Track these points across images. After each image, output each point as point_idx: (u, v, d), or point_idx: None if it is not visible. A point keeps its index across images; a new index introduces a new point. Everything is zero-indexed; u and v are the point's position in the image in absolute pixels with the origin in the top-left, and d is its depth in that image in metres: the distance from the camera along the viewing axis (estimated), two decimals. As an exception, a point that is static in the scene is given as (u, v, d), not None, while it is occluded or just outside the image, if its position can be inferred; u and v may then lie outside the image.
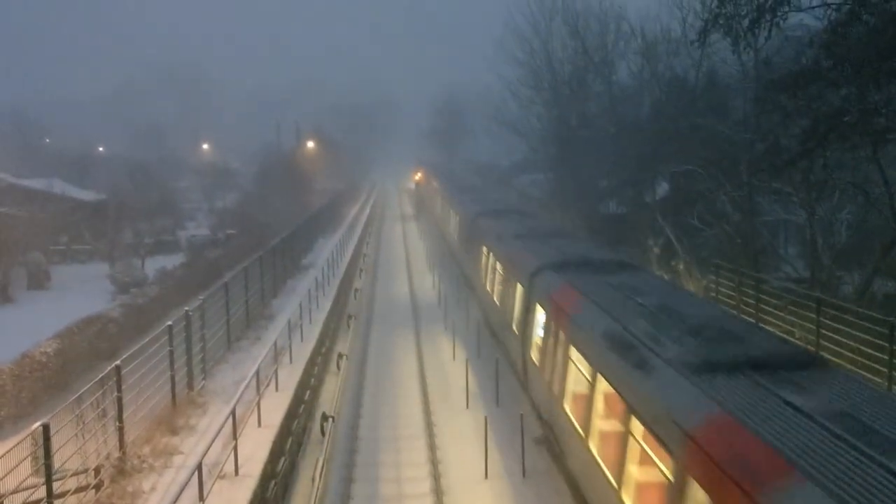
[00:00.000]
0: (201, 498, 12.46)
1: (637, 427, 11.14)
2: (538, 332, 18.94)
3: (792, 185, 25.44)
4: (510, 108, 66.97)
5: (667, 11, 38.43)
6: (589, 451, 13.58)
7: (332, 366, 27.37)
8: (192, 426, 16.78)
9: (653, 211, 34.31)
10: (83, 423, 13.52)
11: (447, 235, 46.36)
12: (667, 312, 13.96)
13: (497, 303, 25.40)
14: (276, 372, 20.11)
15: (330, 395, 24.19)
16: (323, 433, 20.73)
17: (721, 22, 20.52)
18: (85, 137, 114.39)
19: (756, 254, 27.54)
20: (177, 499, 12.10)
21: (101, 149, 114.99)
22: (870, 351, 16.99)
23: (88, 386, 13.95)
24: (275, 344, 21.59)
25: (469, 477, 17.84)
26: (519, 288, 21.15)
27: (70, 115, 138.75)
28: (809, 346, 19.33)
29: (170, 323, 17.59)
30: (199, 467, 12.43)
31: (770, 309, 21.76)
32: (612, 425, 12.84)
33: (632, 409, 11.33)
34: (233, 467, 14.43)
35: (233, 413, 14.94)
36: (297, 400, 20.39)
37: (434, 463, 18.78)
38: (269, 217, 55.19)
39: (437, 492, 17.13)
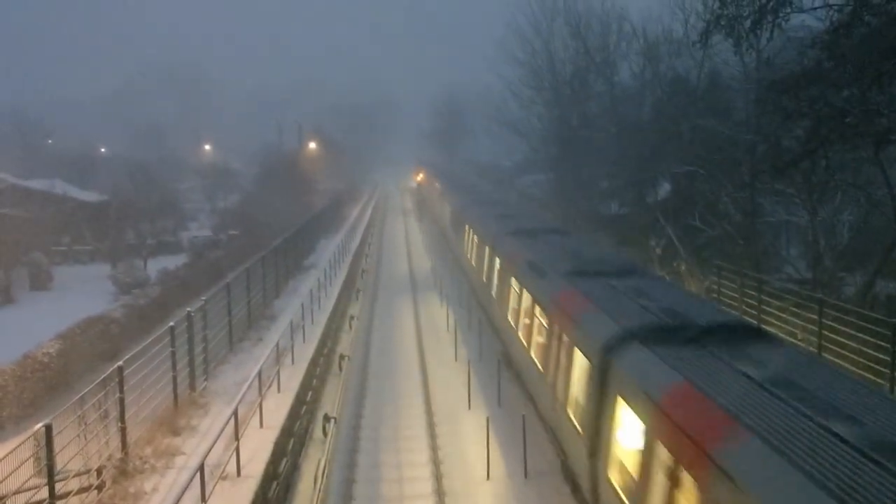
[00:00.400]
0: (203, 499, 12.46)
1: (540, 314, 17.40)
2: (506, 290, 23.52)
3: (794, 186, 25.44)
4: (511, 108, 67.07)
5: (669, 12, 38.48)
6: (521, 343, 20.63)
7: (334, 367, 27.39)
8: (193, 427, 16.79)
9: (654, 211, 34.29)
10: (85, 423, 13.52)
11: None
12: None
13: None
14: (278, 373, 20.11)
15: (332, 397, 24.21)
16: (325, 434, 20.74)
17: (723, 23, 20.53)
18: (86, 138, 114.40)
19: (758, 255, 27.53)
20: (179, 499, 12.10)
21: (102, 149, 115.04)
22: (871, 352, 16.99)
23: (91, 387, 13.96)
24: (277, 345, 21.60)
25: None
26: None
27: (71, 116, 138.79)
28: (811, 347, 19.36)
29: (172, 324, 17.61)
30: (200, 468, 12.44)
31: (772, 310, 21.76)
32: (530, 317, 19.59)
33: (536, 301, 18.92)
34: (235, 468, 14.44)
35: (235, 414, 14.95)
36: (298, 401, 20.40)
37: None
38: (270, 218, 55.20)
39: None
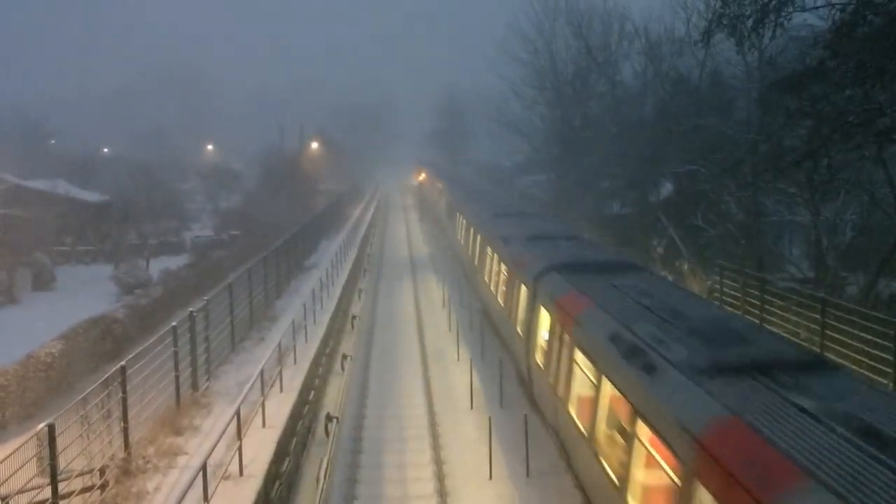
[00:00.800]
0: (206, 498, 12.47)
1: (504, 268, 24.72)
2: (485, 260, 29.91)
3: (796, 186, 25.41)
4: (512, 108, 67.01)
5: (670, 12, 38.44)
6: (490, 290, 28.13)
7: (337, 366, 27.39)
8: (196, 427, 16.80)
9: (656, 211, 34.26)
10: (88, 423, 13.54)
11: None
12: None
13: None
14: (280, 373, 20.12)
15: (334, 397, 24.21)
16: (327, 434, 20.74)
17: (725, 22, 20.51)
18: (88, 138, 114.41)
19: (760, 254, 27.51)
20: (181, 499, 12.10)
21: (105, 150, 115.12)
22: (874, 352, 16.98)
23: (93, 387, 13.97)
24: (279, 345, 21.60)
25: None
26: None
27: (73, 116, 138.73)
28: (814, 347, 19.34)
29: (174, 324, 17.62)
30: (203, 468, 12.45)
31: (774, 310, 21.74)
32: (497, 272, 26.48)
33: (501, 259, 25.83)
34: (237, 468, 14.44)
35: (237, 414, 14.95)
36: (301, 401, 20.41)
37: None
38: (272, 218, 55.22)
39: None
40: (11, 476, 10.73)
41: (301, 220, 49.07)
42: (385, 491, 17.43)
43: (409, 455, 19.36)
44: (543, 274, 19.58)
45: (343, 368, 27.17)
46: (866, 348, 17.23)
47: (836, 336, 18.45)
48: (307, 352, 23.82)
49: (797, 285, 23.82)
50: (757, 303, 22.73)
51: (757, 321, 22.37)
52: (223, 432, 14.66)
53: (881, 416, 8.49)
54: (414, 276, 45.43)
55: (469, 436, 20.06)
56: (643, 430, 10.64)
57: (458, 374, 25.12)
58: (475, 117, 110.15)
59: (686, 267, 29.94)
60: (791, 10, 19.46)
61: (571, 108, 53.88)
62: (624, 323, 13.20)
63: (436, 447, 19.50)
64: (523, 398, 21.36)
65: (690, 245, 31.09)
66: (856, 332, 17.78)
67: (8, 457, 10.80)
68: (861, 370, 17.19)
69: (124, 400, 14.33)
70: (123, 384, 14.35)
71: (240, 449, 14.58)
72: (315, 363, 23.86)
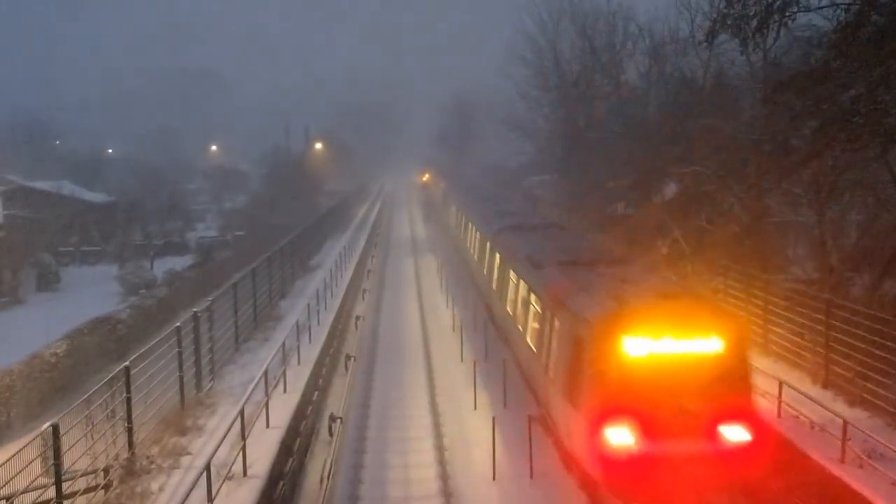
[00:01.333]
0: (209, 498, 12.49)
1: (484, 243, 33.39)
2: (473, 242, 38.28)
3: (801, 186, 25.35)
4: (518, 109, 66.90)
5: (675, 12, 38.31)
6: (473, 257, 36.98)
7: (341, 367, 27.43)
8: (200, 427, 16.83)
9: (660, 212, 34.21)
10: (92, 423, 13.57)
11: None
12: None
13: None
14: (284, 373, 20.15)
15: (338, 397, 24.25)
16: (331, 434, 20.77)
17: (729, 22, 20.44)
18: (94, 139, 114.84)
19: (765, 255, 27.43)
20: (185, 499, 12.15)
21: (109, 151, 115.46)
22: (880, 353, 16.93)
23: (97, 387, 14.01)
24: (283, 345, 21.63)
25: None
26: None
27: (79, 118, 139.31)
28: (818, 349, 19.30)
29: (178, 324, 17.65)
30: (207, 468, 12.47)
31: (779, 310, 21.69)
32: (479, 246, 34.90)
33: (481, 236, 34.73)
34: (241, 468, 14.47)
35: (241, 414, 14.98)
36: (305, 401, 20.44)
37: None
38: (277, 219, 55.35)
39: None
40: (16, 476, 10.76)
41: (306, 220, 49.17)
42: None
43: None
44: (499, 232, 30.12)
45: (347, 369, 27.21)
46: (871, 349, 17.18)
47: (841, 337, 18.41)
48: (311, 352, 23.85)
49: (802, 286, 23.76)
50: (761, 303, 22.69)
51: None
52: (227, 432, 14.69)
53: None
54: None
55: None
56: (533, 297, 20.33)
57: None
58: (483, 118, 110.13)
59: (690, 267, 29.89)
60: (795, 10, 19.38)
61: (576, 109, 53.82)
62: (531, 250, 23.35)
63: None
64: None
65: (695, 245, 31.03)
66: (861, 332, 17.73)
67: (12, 456, 10.84)
68: (867, 371, 17.17)
69: (128, 400, 14.36)
70: (128, 384, 14.37)
71: (244, 449, 14.61)
72: (319, 364, 23.89)
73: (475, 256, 35.73)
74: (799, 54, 24.49)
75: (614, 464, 13.85)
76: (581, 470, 15.47)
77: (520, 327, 22.07)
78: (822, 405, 16.48)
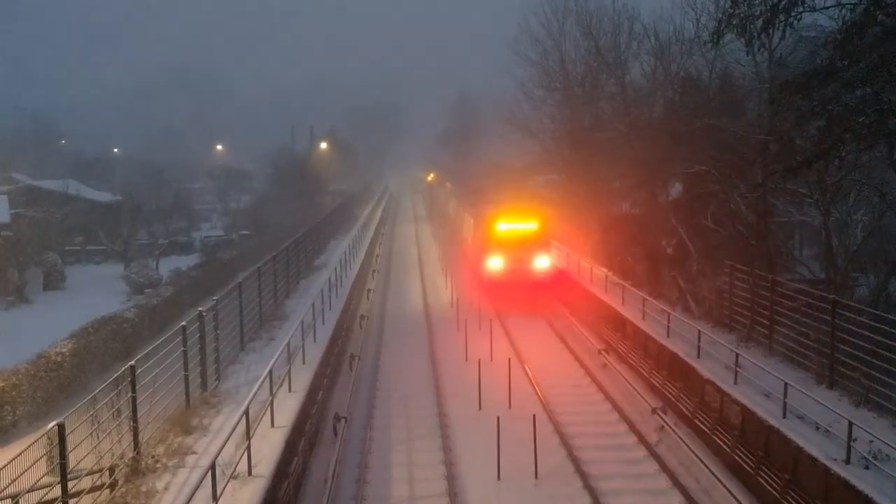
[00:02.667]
0: (214, 497, 12.51)
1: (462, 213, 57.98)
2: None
3: (807, 186, 25.29)
4: (523, 109, 66.77)
5: (680, 12, 38.09)
6: (455, 221, 65.07)
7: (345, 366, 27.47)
8: (205, 426, 16.86)
9: (666, 212, 34.16)
10: (98, 422, 13.60)
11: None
12: None
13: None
14: (289, 372, 20.17)
15: (342, 397, 24.30)
16: (335, 434, 20.81)
17: (735, 22, 20.38)
18: (100, 139, 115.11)
19: (770, 255, 27.36)
20: (190, 498, 12.17)
21: (115, 150, 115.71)
22: (886, 353, 16.89)
23: (103, 386, 14.04)
24: (288, 344, 21.65)
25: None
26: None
27: (85, 117, 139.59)
28: (824, 349, 19.27)
29: (183, 323, 17.67)
30: (212, 467, 12.49)
31: (784, 311, 21.66)
32: (456, 212, 64.39)
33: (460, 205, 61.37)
34: (246, 467, 14.49)
35: (246, 413, 15.00)
36: (310, 400, 20.46)
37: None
38: (282, 218, 55.43)
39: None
40: (22, 474, 10.80)
41: (311, 220, 49.23)
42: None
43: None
44: (466, 207, 50.24)
45: (352, 368, 27.25)
46: (877, 349, 17.14)
47: (847, 337, 18.37)
48: (316, 351, 23.87)
49: (807, 286, 23.70)
50: (767, 304, 22.65)
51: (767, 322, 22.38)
52: (232, 432, 14.71)
53: None
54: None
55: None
56: (472, 221, 46.23)
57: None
58: (486, 117, 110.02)
59: (695, 267, 29.84)
60: (801, 10, 19.29)
61: (581, 109, 53.66)
62: (474, 211, 46.55)
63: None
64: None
65: (700, 245, 30.97)
66: (866, 333, 17.69)
67: (18, 455, 10.87)
68: (872, 371, 17.13)
69: (134, 399, 14.38)
70: (133, 383, 14.40)
71: (248, 448, 14.64)
72: (324, 363, 23.92)
73: (459, 222, 58.87)
74: (805, 54, 24.44)
75: (491, 272, 38.57)
76: (478, 276, 40.51)
77: (466, 235, 50.07)
78: (827, 406, 16.45)
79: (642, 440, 20.89)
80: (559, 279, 39.14)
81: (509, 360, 24.93)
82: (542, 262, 38.57)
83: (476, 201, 50.29)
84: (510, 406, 23.02)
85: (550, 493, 17.76)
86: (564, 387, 25.82)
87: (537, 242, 38.82)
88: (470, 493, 17.86)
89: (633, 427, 21.84)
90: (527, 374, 26.59)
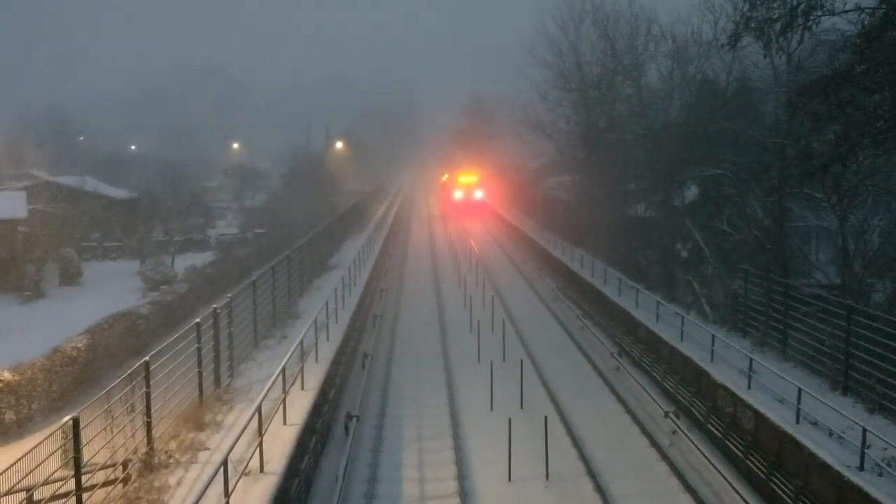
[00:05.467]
0: (226, 493, 12.57)
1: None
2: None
3: (823, 191, 25.13)
4: (538, 110, 66.70)
5: (698, 14, 37.93)
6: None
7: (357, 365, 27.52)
8: (218, 422, 16.94)
9: (681, 215, 34.05)
10: (112, 417, 13.71)
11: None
12: None
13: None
14: (302, 370, 20.24)
15: (354, 395, 24.34)
16: (347, 432, 20.85)
17: (752, 25, 20.30)
18: (117, 136, 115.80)
19: (786, 260, 27.23)
20: (202, 494, 12.23)
21: (132, 147, 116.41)
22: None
23: (117, 381, 14.14)
24: (301, 342, 21.72)
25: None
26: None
27: (102, 114, 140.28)
28: (838, 355, 19.15)
29: (198, 320, 17.76)
30: (224, 463, 12.56)
31: (799, 316, 21.55)
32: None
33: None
34: (258, 464, 14.56)
35: (258, 410, 15.07)
36: (322, 398, 20.52)
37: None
38: (297, 217, 55.55)
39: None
40: (36, 468, 10.89)
41: (325, 219, 49.34)
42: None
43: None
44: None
45: (364, 367, 27.30)
46: (892, 356, 17.02)
47: (862, 343, 18.25)
48: (329, 350, 23.94)
49: (823, 292, 23.56)
50: (781, 308, 22.54)
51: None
52: (245, 428, 14.77)
53: None
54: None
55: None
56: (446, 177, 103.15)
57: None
58: (501, 118, 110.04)
59: (710, 271, 29.73)
60: (819, 13, 19.20)
61: (597, 111, 53.59)
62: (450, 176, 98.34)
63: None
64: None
65: (715, 249, 30.86)
66: (882, 339, 17.57)
67: (33, 449, 10.97)
68: (887, 378, 17.01)
69: (148, 395, 14.48)
70: (147, 379, 14.49)
71: (260, 445, 14.71)
72: (336, 361, 23.98)
73: (442, 180, 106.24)
74: (823, 58, 24.27)
75: (455, 199, 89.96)
76: (448, 200, 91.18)
77: (446, 183, 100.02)
78: (841, 412, 16.35)
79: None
80: (486, 206, 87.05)
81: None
82: (478, 195, 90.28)
83: (452, 170, 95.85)
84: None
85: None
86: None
87: (475, 186, 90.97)
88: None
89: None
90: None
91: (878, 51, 17.85)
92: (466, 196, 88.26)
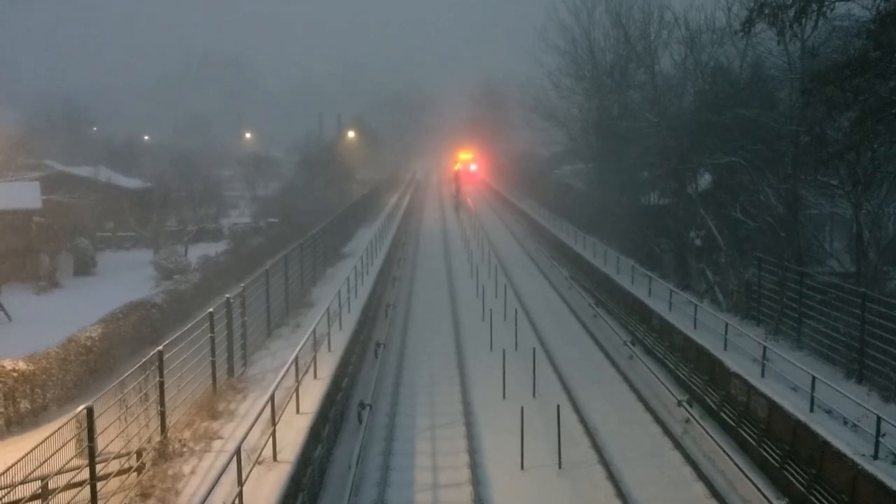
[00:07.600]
0: (240, 482, 12.65)
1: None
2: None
3: (838, 178, 24.94)
4: (551, 98, 66.49)
5: (711, 0, 37.74)
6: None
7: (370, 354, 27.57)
8: (231, 411, 17.05)
9: (695, 203, 33.89)
10: (126, 406, 13.79)
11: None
12: None
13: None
14: (314, 359, 20.31)
15: (367, 384, 24.40)
16: (360, 421, 20.93)
17: (766, 11, 20.11)
18: (130, 126, 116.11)
19: (800, 247, 27.07)
20: (216, 482, 12.31)
21: (146, 137, 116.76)
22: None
23: (131, 370, 14.21)
24: (314, 331, 21.79)
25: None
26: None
27: (116, 104, 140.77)
28: (853, 343, 19.05)
29: (211, 310, 17.84)
30: (237, 452, 12.63)
31: (814, 304, 21.44)
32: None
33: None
34: (271, 452, 14.64)
35: (271, 399, 15.13)
36: (335, 387, 20.60)
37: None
38: (310, 206, 55.62)
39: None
40: (51, 457, 10.98)
41: (338, 208, 49.35)
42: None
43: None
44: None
45: (377, 356, 27.37)
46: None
47: (877, 331, 18.16)
48: (341, 339, 24.01)
49: (837, 279, 23.43)
50: (795, 296, 22.43)
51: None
52: (258, 417, 14.85)
53: None
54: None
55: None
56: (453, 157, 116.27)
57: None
58: (513, 106, 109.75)
59: (724, 259, 29.60)
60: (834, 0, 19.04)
61: (610, 98, 53.41)
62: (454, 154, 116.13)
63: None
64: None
65: (729, 237, 30.73)
66: (896, 327, 17.48)
67: (48, 438, 11.05)
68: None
69: (161, 384, 14.57)
70: (161, 368, 14.58)
71: (274, 434, 14.78)
72: (349, 350, 24.05)
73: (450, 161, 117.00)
74: (837, 44, 24.05)
75: (456, 171, 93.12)
76: (455, 183, 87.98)
77: (451, 163, 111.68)
78: (855, 400, 16.28)
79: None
80: (482, 180, 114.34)
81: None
82: (473, 168, 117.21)
83: (456, 153, 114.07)
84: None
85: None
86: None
87: (471, 162, 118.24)
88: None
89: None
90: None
91: (893, 37, 17.67)
92: (464, 168, 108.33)
